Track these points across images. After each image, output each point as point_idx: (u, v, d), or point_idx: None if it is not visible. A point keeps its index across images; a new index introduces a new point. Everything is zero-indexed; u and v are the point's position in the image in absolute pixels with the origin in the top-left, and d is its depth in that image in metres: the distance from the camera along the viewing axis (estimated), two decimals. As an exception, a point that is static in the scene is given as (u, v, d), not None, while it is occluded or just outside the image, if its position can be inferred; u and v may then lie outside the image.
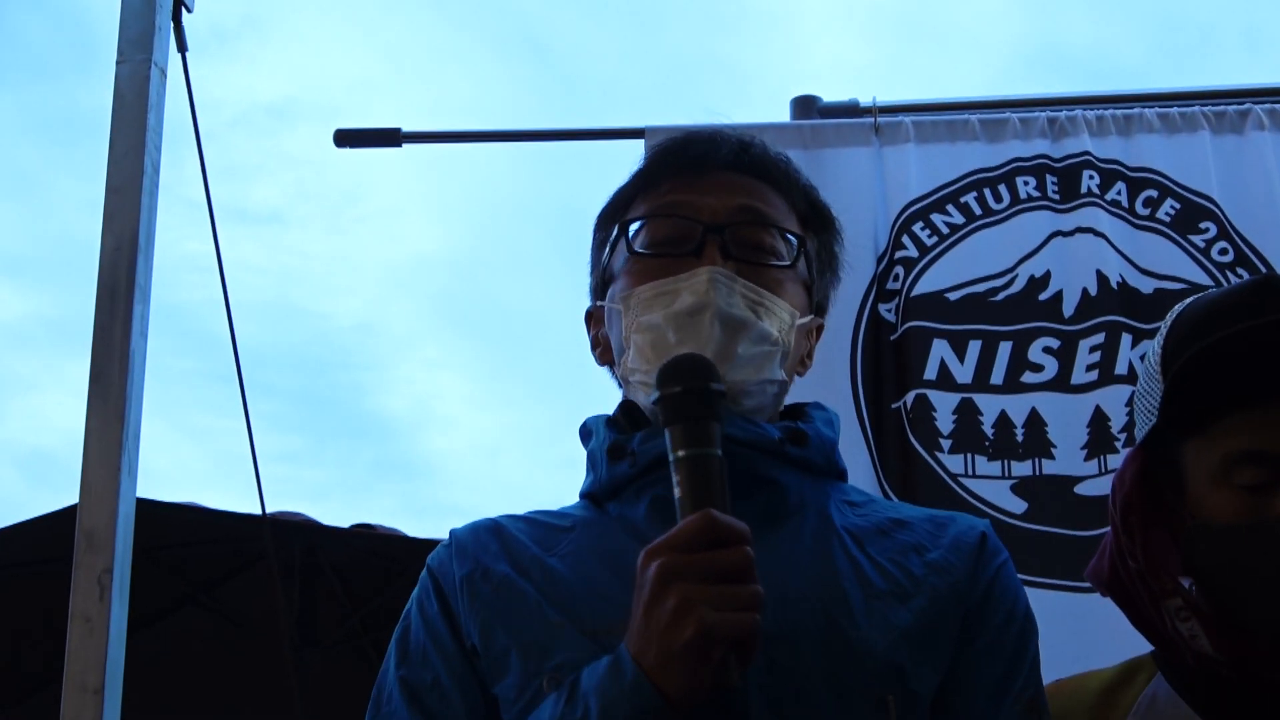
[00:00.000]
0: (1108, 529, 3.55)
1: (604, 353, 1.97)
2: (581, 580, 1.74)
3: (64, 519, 4.95)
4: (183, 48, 3.24)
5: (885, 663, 1.66)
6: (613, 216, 1.97)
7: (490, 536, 1.83)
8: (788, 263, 1.90)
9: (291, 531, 5.60)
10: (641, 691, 1.49)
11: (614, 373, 1.96)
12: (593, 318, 2.01)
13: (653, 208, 1.90)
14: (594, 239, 2.02)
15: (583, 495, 1.92)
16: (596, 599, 1.70)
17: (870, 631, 1.68)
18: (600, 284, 1.97)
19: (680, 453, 1.56)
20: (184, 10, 3.23)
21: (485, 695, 1.72)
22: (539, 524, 1.85)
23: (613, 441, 1.84)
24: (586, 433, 1.95)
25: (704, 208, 1.86)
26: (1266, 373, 1.71)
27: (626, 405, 1.92)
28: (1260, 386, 1.72)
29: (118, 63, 3.08)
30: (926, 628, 1.71)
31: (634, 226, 1.90)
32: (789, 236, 1.91)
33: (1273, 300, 1.74)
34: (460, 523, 1.89)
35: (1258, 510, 1.70)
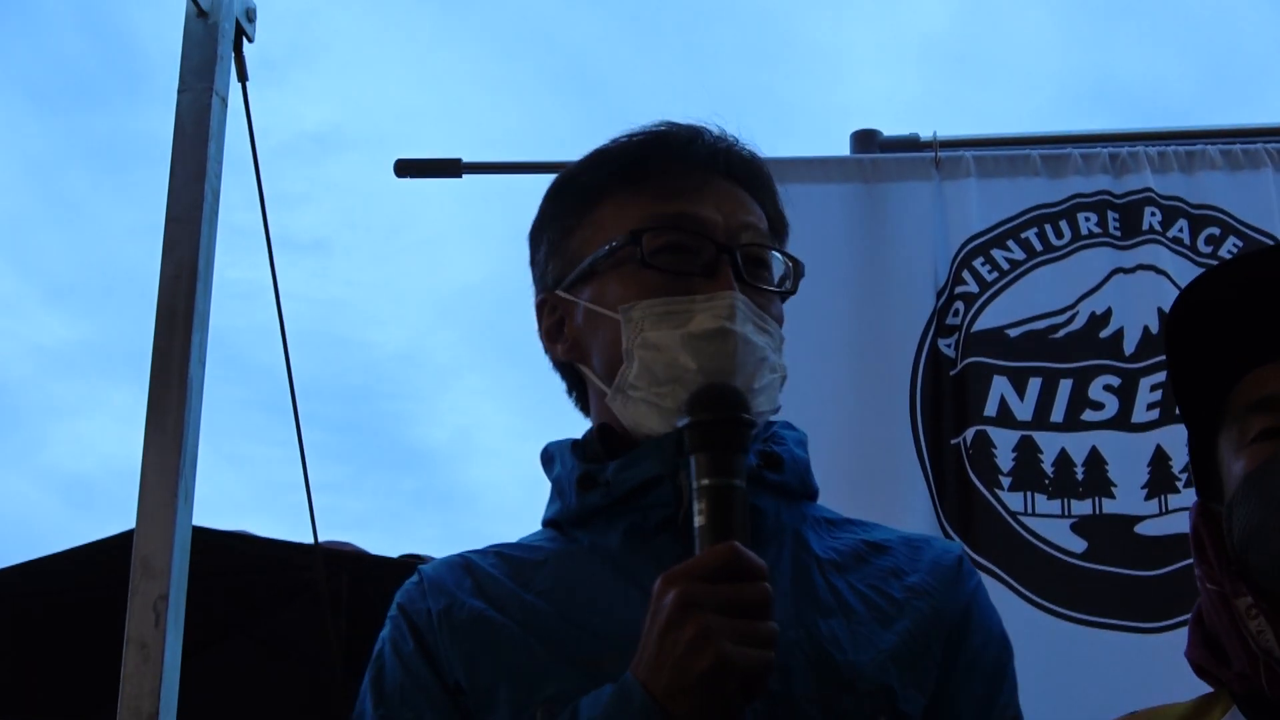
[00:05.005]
0: (1169, 569, 3.56)
1: (571, 349, 1.89)
2: (563, 613, 1.71)
3: (114, 545, 4.98)
4: (243, 77, 3.25)
5: (875, 685, 1.65)
6: (581, 202, 1.90)
7: (462, 573, 1.80)
8: (788, 289, 1.88)
9: (341, 561, 5.61)
10: (650, 718, 1.47)
11: (581, 371, 1.89)
12: (550, 305, 1.92)
13: (658, 217, 1.81)
14: (553, 219, 1.94)
15: (547, 523, 1.88)
16: (580, 630, 1.68)
17: (857, 655, 1.67)
18: (575, 277, 1.87)
19: (705, 481, 1.54)
20: (245, 40, 3.25)
21: None
22: (510, 559, 1.82)
23: (584, 471, 1.81)
24: (548, 458, 1.92)
25: (713, 223, 1.81)
26: (1265, 332, 1.70)
27: (603, 429, 1.86)
28: (1261, 345, 1.71)
29: (179, 91, 3.09)
30: (911, 650, 1.70)
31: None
32: (788, 261, 1.89)
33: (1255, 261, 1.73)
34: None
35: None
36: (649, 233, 1.80)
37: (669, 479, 1.72)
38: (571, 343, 1.89)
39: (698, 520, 1.53)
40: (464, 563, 1.81)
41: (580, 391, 1.94)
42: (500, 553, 1.83)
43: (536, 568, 1.79)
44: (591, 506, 1.79)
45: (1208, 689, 1.84)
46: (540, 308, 1.94)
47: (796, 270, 1.90)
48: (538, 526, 1.91)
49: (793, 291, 1.91)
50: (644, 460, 1.75)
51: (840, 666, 1.65)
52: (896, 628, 1.71)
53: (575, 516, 1.82)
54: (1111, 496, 3.71)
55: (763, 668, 1.45)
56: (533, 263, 1.98)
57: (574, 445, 1.89)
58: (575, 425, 1.96)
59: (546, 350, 1.95)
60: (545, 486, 1.93)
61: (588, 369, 1.87)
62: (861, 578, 1.77)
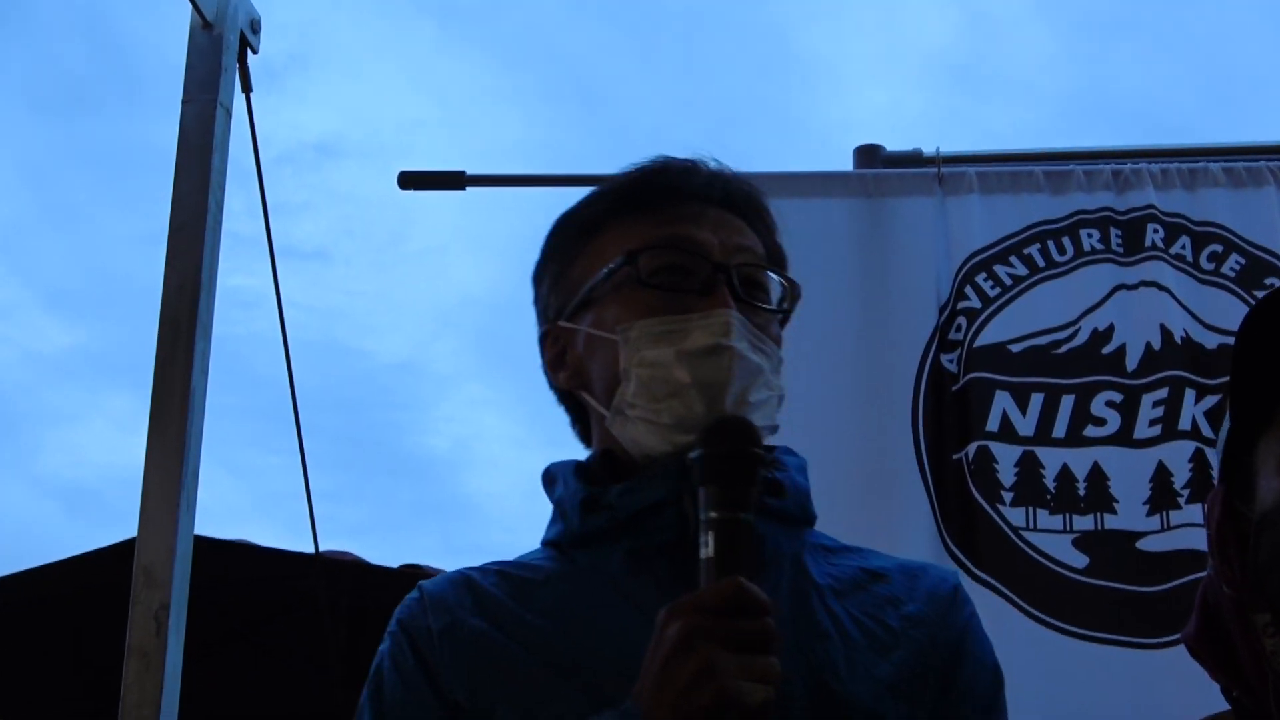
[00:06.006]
0: (1171, 584, 3.56)
1: (572, 376, 1.90)
2: (564, 635, 1.72)
3: (115, 554, 4.98)
4: (247, 88, 3.26)
5: (871, 716, 1.66)
6: (582, 234, 1.92)
7: (463, 591, 1.80)
8: (785, 308, 1.90)
9: (341, 571, 5.60)
10: None
11: (582, 398, 1.90)
12: (552, 337, 1.93)
13: (656, 238, 1.83)
14: (555, 253, 1.96)
15: (546, 544, 1.88)
16: (581, 651, 1.69)
17: (854, 685, 1.67)
18: (575, 305, 1.89)
19: (713, 514, 1.53)
20: (249, 51, 3.25)
21: None
22: (509, 577, 1.81)
23: (587, 494, 1.81)
24: (550, 479, 1.92)
25: (709, 244, 1.83)
26: None
27: (606, 454, 1.87)
28: None
29: (184, 102, 3.10)
30: (908, 679, 1.72)
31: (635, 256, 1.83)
32: (783, 281, 1.91)
33: None
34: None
35: None
36: (645, 253, 1.82)
37: (673, 504, 1.72)
38: (573, 370, 1.90)
39: (704, 552, 1.52)
40: (465, 580, 1.82)
41: (584, 424, 1.96)
42: (501, 571, 1.83)
43: (537, 587, 1.79)
44: (595, 529, 1.79)
45: (1208, 710, 1.84)
46: (543, 340, 1.96)
47: (793, 293, 1.92)
48: (538, 537, 1.91)
49: (789, 313, 1.93)
50: (648, 485, 1.75)
51: (837, 695, 1.66)
52: (893, 658, 1.72)
53: (577, 538, 1.82)
54: (1113, 512, 3.71)
55: (763, 704, 1.45)
56: (536, 300, 2.00)
57: (577, 467, 1.89)
58: (572, 437, 1.97)
59: (550, 382, 1.96)
60: (545, 498, 1.93)
61: (588, 395, 1.88)
62: (859, 605, 1.78)
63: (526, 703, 1.66)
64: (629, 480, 1.79)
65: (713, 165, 1.93)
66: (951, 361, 3.90)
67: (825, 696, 1.65)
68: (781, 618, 1.65)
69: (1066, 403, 3.84)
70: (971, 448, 3.79)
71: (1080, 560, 3.67)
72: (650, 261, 1.81)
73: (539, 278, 1.99)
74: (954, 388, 3.88)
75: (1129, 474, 3.75)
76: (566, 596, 1.76)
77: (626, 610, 1.70)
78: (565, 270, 1.92)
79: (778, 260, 1.95)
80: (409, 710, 1.72)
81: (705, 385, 1.73)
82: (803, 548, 1.83)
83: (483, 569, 1.84)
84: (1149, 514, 3.70)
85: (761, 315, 1.84)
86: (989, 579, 3.63)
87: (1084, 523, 3.71)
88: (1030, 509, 3.73)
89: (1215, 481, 1.78)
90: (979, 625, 1.86)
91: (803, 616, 1.73)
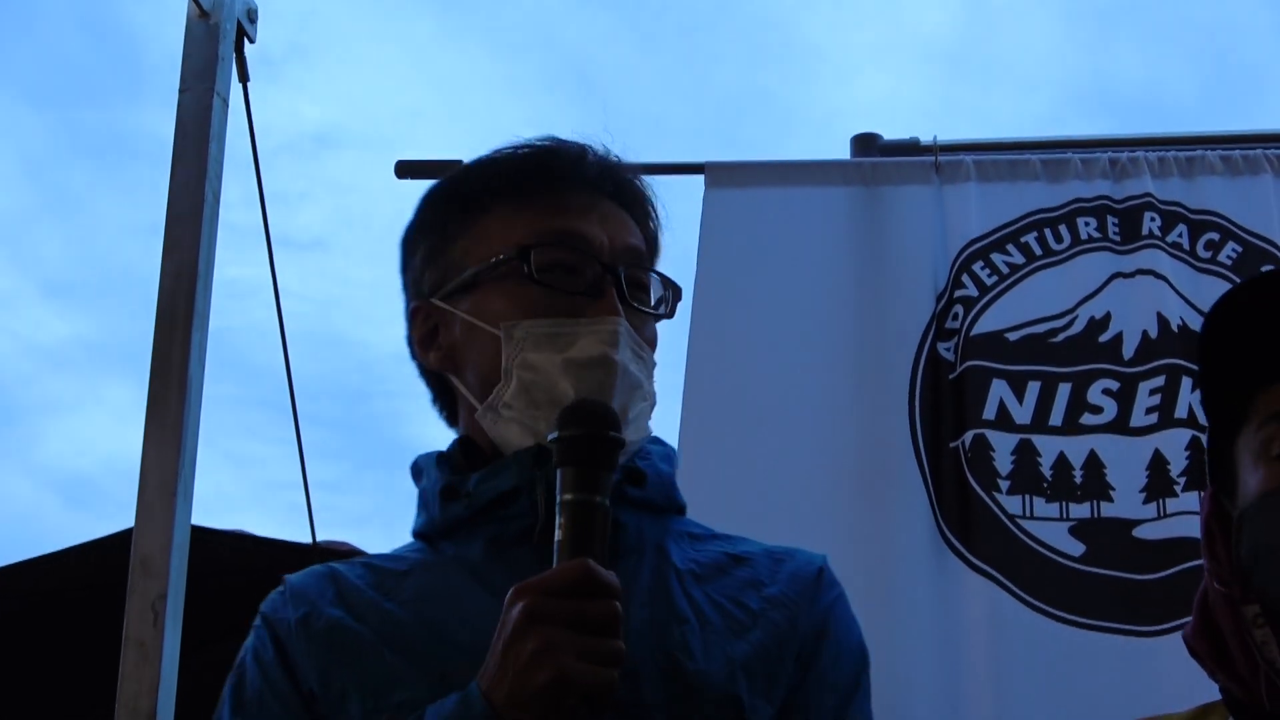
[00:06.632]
0: (1167, 572, 3.56)
1: (444, 359, 1.88)
2: (421, 623, 1.72)
3: (113, 544, 4.97)
4: (244, 78, 3.25)
5: (723, 695, 1.66)
6: (465, 210, 1.89)
7: (326, 583, 1.79)
8: (669, 313, 1.89)
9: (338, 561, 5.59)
10: None
11: (452, 383, 1.88)
12: (424, 314, 1.91)
13: (546, 232, 1.81)
14: (433, 225, 1.93)
15: (415, 535, 1.89)
16: (437, 640, 1.68)
17: (707, 665, 1.67)
18: (454, 287, 1.86)
19: (568, 496, 1.54)
20: (246, 41, 3.25)
21: None
22: (375, 569, 1.82)
23: (446, 483, 1.82)
24: (417, 471, 1.92)
25: (599, 243, 1.81)
26: None
27: (465, 441, 1.88)
28: None
29: (181, 91, 3.10)
30: (762, 660, 1.71)
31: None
32: (667, 285, 1.90)
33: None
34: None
35: None
36: (536, 249, 1.80)
37: (526, 491, 1.73)
38: (445, 353, 1.88)
39: (558, 534, 1.53)
40: (330, 573, 1.82)
41: (445, 402, 1.94)
42: (367, 563, 1.84)
43: (400, 578, 1.79)
44: (454, 518, 1.80)
45: (1205, 698, 1.85)
46: (414, 315, 1.93)
47: (676, 294, 1.91)
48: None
49: (670, 315, 1.92)
50: (503, 472, 1.76)
51: (690, 675, 1.66)
52: (750, 638, 1.72)
53: (440, 528, 1.82)
54: (1110, 500, 3.71)
55: (604, 685, 1.46)
56: (406, 268, 1.97)
57: (439, 458, 1.89)
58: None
59: (416, 358, 1.94)
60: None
61: (459, 381, 1.87)
62: (720, 589, 1.78)
63: (376, 688, 1.66)
64: (486, 469, 1.79)
65: (600, 150, 1.91)
66: (948, 350, 3.90)
67: (677, 677, 1.65)
68: (640, 602, 1.69)
69: (1063, 391, 3.84)
70: (968, 436, 3.79)
71: (1076, 548, 3.67)
72: (540, 257, 1.80)
73: (411, 245, 1.96)
74: (951, 376, 3.89)
75: (1125, 462, 3.75)
76: (427, 585, 1.77)
77: (484, 598, 1.68)
78: (444, 246, 1.90)
79: (656, 253, 1.94)
80: (267, 701, 1.73)
81: (586, 395, 1.72)
82: (667, 535, 1.83)
83: (350, 562, 1.85)
84: (1145, 502, 3.70)
85: (642, 318, 1.84)
86: (985, 567, 3.64)
87: (1080, 510, 3.71)
88: (1027, 497, 3.73)
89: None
90: (845, 607, 1.85)
91: (661, 601, 1.73)
